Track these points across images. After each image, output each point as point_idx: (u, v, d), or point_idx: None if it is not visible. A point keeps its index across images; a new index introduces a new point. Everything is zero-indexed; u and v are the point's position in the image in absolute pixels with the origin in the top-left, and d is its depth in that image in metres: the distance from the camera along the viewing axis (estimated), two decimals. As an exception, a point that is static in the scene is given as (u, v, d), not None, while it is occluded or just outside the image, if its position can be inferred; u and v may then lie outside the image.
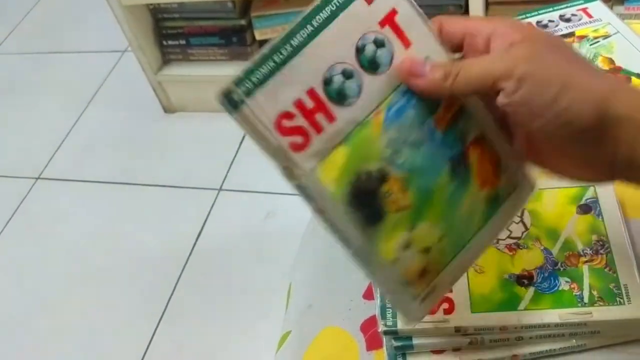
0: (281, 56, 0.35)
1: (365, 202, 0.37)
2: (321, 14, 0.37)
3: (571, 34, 0.68)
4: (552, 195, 0.52)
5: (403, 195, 0.38)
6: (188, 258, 1.36)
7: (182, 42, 1.60)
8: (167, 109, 1.72)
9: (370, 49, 0.37)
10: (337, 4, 0.37)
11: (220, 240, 1.37)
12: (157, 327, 1.26)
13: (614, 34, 0.67)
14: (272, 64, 0.35)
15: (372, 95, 0.38)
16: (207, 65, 1.61)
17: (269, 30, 1.52)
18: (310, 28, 0.36)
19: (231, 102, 0.34)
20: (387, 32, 0.38)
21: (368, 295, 0.53)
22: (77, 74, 1.94)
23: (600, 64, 0.64)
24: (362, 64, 0.37)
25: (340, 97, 0.37)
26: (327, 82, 0.36)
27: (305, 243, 0.64)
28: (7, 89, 1.96)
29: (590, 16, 0.70)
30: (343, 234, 0.37)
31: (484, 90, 0.36)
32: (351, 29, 0.37)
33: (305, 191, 0.36)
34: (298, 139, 0.36)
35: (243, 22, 1.52)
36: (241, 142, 1.57)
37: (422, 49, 0.38)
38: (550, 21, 0.70)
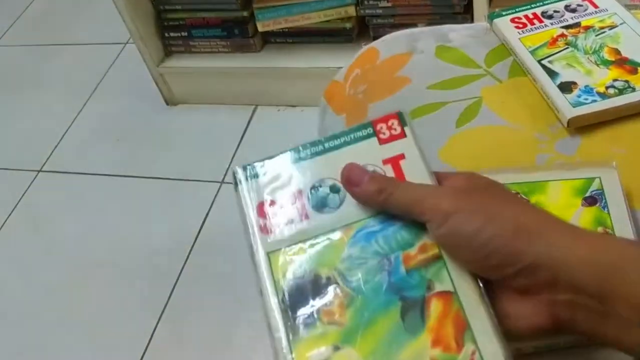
0: (288, 162, 0.42)
1: (302, 301, 0.38)
2: (334, 141, 0.43)
3: (577, 24, 0.67)
4: (557, 187, 0.51)
5: (341, 311, 0.37)
6: (190, 251, 1.36)
7: (184, 34, 1.59)
8: (169, 102, 1.71)
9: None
10: (352, 137, 0.43)
11: (222, 233, 1.37)
12: (159, 319, 1.26)
13: (620, 25, 0.66)
14: (276, 167, 0.42)
15: (350, 213, 0.40)
16: (209, 57, 1.61)
17: (271, 22, 1.51)
18: (320, 148, 0.43)
19: (235, 179, 0.42)
20: (387, 169, 0.41)
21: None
22: (79, 66, 1.93)
23: (606, 54, 0.63)
24: None
25: (320, 204, 0.41)
26: (314, 188, 0.41)
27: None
28: (9, 81, 1.96)
29: (596, 6, 0.69)
30: (269, 320, 0.38)
31: (412, 216, 0.37)
32: (355, 159, 0.42)
33: (256, 269, 0.39)
34: (269, 224, 0.41)
35: (245, 13, 1.51)
36: (243, 135, 1.57)
37: None
38: (555, 11, 0.69)
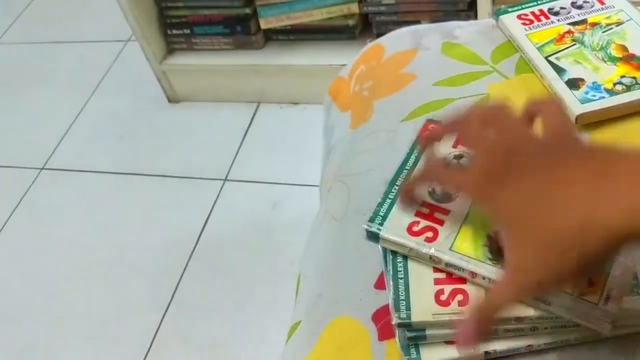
0: (392, 195, 0.50)
1: (500, 251, 0.43)
2: (410, 160, 0.53)
3: (583, 21, 0.67)
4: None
5: None
6: (194, 249, 1.36)
7: (187, 31, 1.59)
8: (172, 99, 1.71)
9: (453, 162, 0.50)
10: (415, 149, 0.54)
11: (226, 230, 1.37)
12: (163, 317, 1.26)
13: (627, 21, 0.66)
14: (388, 201, 0.49)
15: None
16: (212, 54, 1.60)
17: (273, 19, 1.51)
18: (405, 172, 0.52)
19: (372, 235, 0.48)
20: (461, 148, 0.50)
21: (379, 284, 0.52)
22: (81, 64, 1.93)
23: (614, 51, 0.63)
24: None
25: (445, 198, 0.49)
26: (431, 192, 0.49)
27: (314, 232, 0.63)
28: (11, 78, 1.96)
29: (602, 3, 0.69)
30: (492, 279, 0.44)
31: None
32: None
33: (454, 266, 0.45)
34: (429, 234, 0.47)
35: (247, 10, 1.51)
36: (246, 132, 1.57)
37: None
38: (562, 8, 0.69)
